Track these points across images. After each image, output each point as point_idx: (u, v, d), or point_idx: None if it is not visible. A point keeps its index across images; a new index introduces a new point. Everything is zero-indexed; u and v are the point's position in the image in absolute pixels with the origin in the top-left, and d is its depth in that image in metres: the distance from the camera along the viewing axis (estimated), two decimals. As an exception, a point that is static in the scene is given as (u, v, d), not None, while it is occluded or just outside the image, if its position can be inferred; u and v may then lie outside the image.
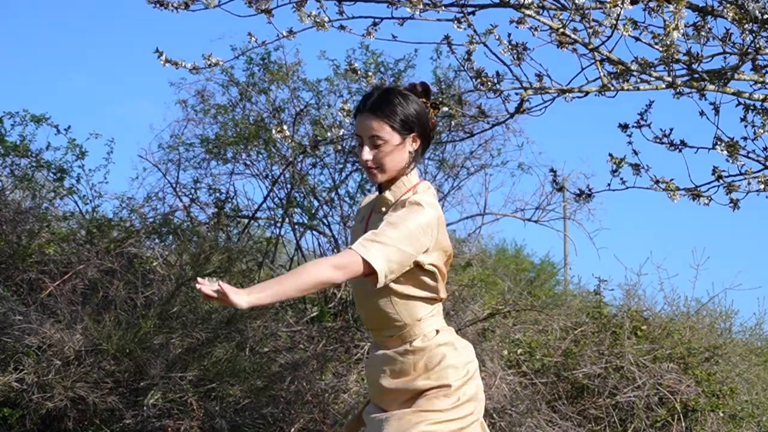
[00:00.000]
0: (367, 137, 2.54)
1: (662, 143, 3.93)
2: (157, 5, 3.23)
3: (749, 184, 3.83)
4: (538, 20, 3.28)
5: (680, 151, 3.94)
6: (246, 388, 5.36)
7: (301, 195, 7.07)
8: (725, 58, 3.70)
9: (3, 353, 5.03)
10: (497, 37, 3.35)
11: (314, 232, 7.23)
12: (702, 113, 3.78)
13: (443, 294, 2.62)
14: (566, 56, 3.47)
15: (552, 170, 4.36)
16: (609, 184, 3.98)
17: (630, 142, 3.95)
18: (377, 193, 2.64)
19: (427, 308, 2.58)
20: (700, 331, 7.69)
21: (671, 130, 3.94)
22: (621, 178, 3.96)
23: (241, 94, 7.10)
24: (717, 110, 3.76)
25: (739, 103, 3.76)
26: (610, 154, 3.95)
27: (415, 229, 2.46)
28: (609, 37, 3.23)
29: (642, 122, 3.92)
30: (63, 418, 4.99)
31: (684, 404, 6.28)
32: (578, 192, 4.16)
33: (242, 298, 2.31)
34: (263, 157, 7.09)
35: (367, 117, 2.54)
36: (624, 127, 3.94)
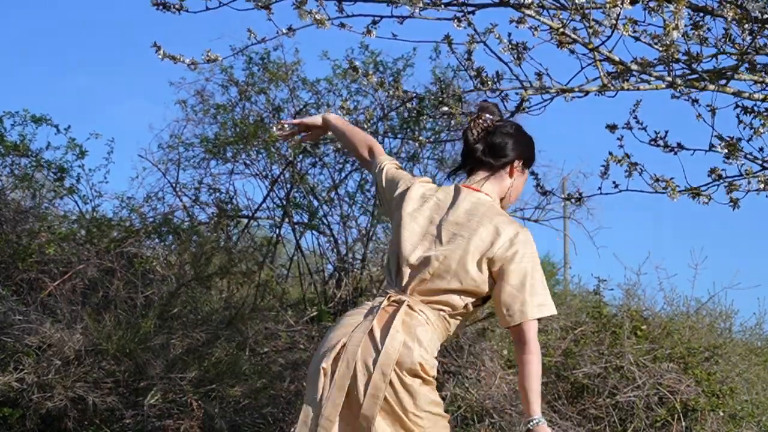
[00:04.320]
0: None
1: (657, 145, 3.92)
2: (161, 7, 3.24)
3: (749, 183, 3.83)
4: (538, 20, 3.28)
5: (676, 153, 3.93)
6: (246, 389, 5.37)
7: (301, 195, 7.07)
8: (717, 58, 3.69)
9: (3, 353, 5.03)
10: (497, 35, 3.35)
11: (314, 232, 7.24)
12: (699, 116, 3.76)
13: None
14: (566, 56, 3.46)
15: (534, 174, 4.20)
16: (600, 188, 3.95)
17: (621, 145, 3.92)
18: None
19: None
20: (699, 330, 7.68)
21: (666, 132, 3.93)
22: (613, 182, 3.93)
23: (240, 93, 7.10)
24: (713, 112, 3.76)
25: (737, 105, 3.75)
26: (610, 153, 3.93)
27: None
28: (609, 37, 3.23)
29: (634, 124, 3.89)
30: (63, 417, 4.99)
31: (684, 404, 6.28)
32: (568, 196, 4.15)
33: (318, 117, 3.09)
34: (263, 157, 7.09)
35: None
36: (612, 127, 3.92)
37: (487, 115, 2.78)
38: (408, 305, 2.56)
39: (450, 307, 2.59)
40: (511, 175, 2.77)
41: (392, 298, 2.59)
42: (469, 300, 2.60)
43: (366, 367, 2.48)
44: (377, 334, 2.51)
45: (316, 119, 3.11)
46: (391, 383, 2.47)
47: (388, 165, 2.89)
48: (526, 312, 2.55)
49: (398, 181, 2.81)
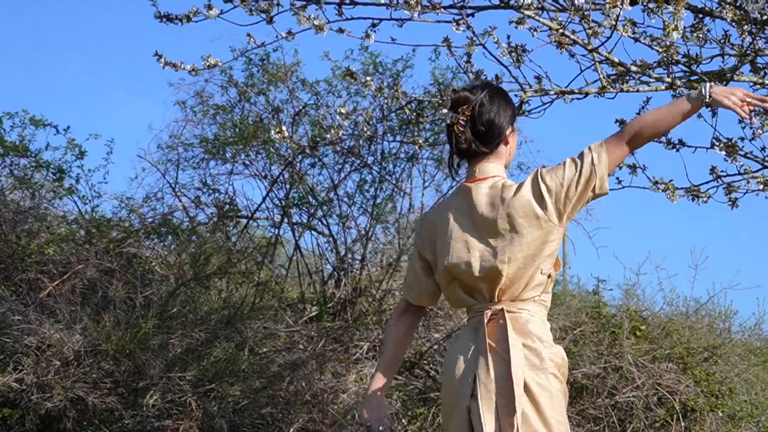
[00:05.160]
0: None
1: (660, 142, 3.94)
2: (164, 20, 3.24)
3: (748, 183, 3.84)
4: (538, 21, 3.28)
5: (678, 150, 3.94)
6: (245, 389, 5.37)
7: (300, 195, 7.07)
8: (723, 59, 3.70)
9: (2, 353, 5.03)
10: (496, 39, 3.35)
11: (313, 232, 7.24)
12: (699, 115, 3.78)
13: (451, 303, 2.77)
14: (565, 59, 3.47)
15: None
16: None
17: None
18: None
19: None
20: (699, 331, 7.69)
21: (669, 129, 3.94)
22: (617, 178, 3.96)
23: (240, 94, 7.10)
24: (714, 112, 3.77)
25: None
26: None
27: None
28: (608, 38, 3.23)
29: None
30: (62, 418, 4.99)
31: (683, 404, 6.29)
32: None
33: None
34: (262, 157, 7.10)
35: None
36: (621, 122, 3.94)
37: (462, 110, 2.68)
38: (506, 310, 2.55)
39: (539, 288, 2.60)
40: (506, 143, 2.72)
41: (489, 312, 2.56)
42: (549, 269, 2.60)
43: (499, 382, 2.48)
44: (498, 347, 2.52)
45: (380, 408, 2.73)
46: (527, 390, 2.49)
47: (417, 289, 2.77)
48: (592, 149, 2.57)
49: (421, 263, 2.74)
